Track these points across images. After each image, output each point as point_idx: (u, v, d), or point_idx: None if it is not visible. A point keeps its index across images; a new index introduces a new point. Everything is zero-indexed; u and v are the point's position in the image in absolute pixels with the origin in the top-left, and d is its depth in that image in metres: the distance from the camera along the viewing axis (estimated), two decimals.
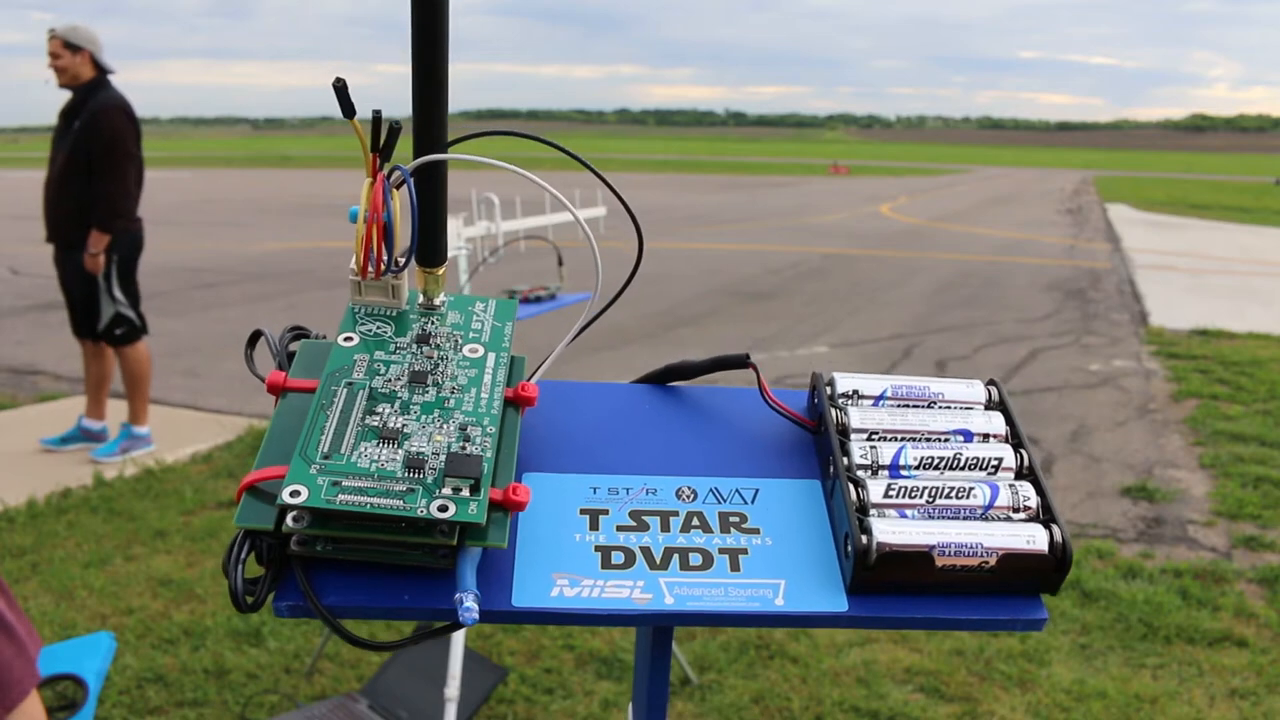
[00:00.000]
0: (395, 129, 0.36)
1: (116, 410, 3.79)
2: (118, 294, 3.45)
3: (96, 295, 3.43)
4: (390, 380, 0.38)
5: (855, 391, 0.44)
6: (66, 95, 3.41)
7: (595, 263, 0.40)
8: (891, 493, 0.38)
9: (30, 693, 0.84)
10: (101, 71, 3.38)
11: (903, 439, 0.42)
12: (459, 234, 2.22)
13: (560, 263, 2.48)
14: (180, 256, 9.37)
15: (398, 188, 0.38)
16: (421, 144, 0.37)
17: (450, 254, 2.17)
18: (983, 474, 0.41)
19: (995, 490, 0.39)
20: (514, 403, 0.39)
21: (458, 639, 1.83)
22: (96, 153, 3.29)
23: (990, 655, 2.36)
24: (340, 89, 0.34)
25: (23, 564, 2.74)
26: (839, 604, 0.37)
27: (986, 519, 0.39)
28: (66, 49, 3.32)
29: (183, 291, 7.39)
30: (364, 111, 0.37)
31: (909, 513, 0.38)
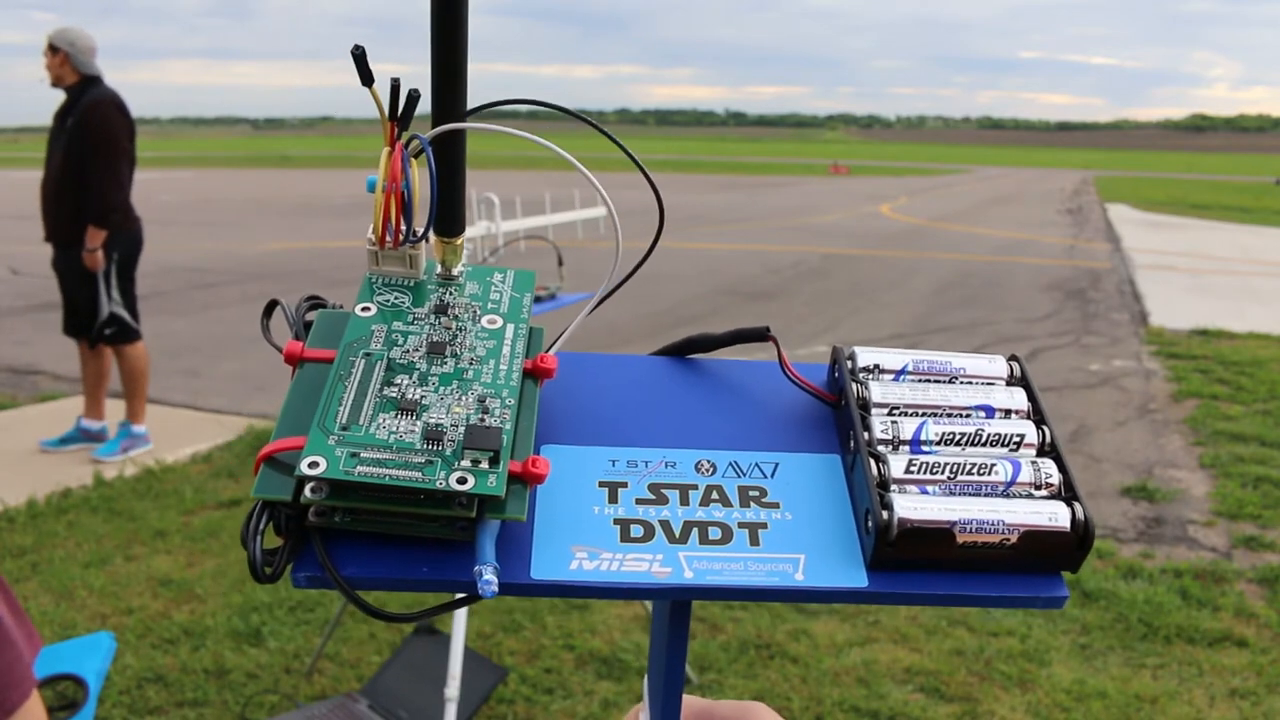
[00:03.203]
0: (414, 96, 0.36)
1: (115, 410, 3.78)
2: (114, 293, 3.46)
3: (95, 294, 3.44)
4: (408, 351, 0.38)
5: (876, 366, 0.44)
6: (65, 96, 3.44)
7: (615, 227, 0.40)
8: (913, 468, 0.38)
9: (31, 694, 0.84)
10: (83, 75, 3.39)
11: (924, 414, 0.42)
12: None
13: (560, 263, 2.48)
14: (180, 256, 9.37)
15: (416, 157, 0.37)
16: (440, 112, 0.37)
17: None
18: (1004, 450, 0.41)
19: (1017, 467, 0.39)
20: (533, 374, 0.39)
21: (458, 639, 1.82)
22: (90, 147, 3.31)
23: (990, 655, 2.36)
24: (359, 56, 0.34)
25: (23, 564, 2.73)
26: (859, 580, 0.36)
27: (1008, 496, 0.39)
28: (50, 50, 3.38)
29: (183, 291, 7.39)
30: (362, 111, 0.37)
31: (930, 489, 0.38)
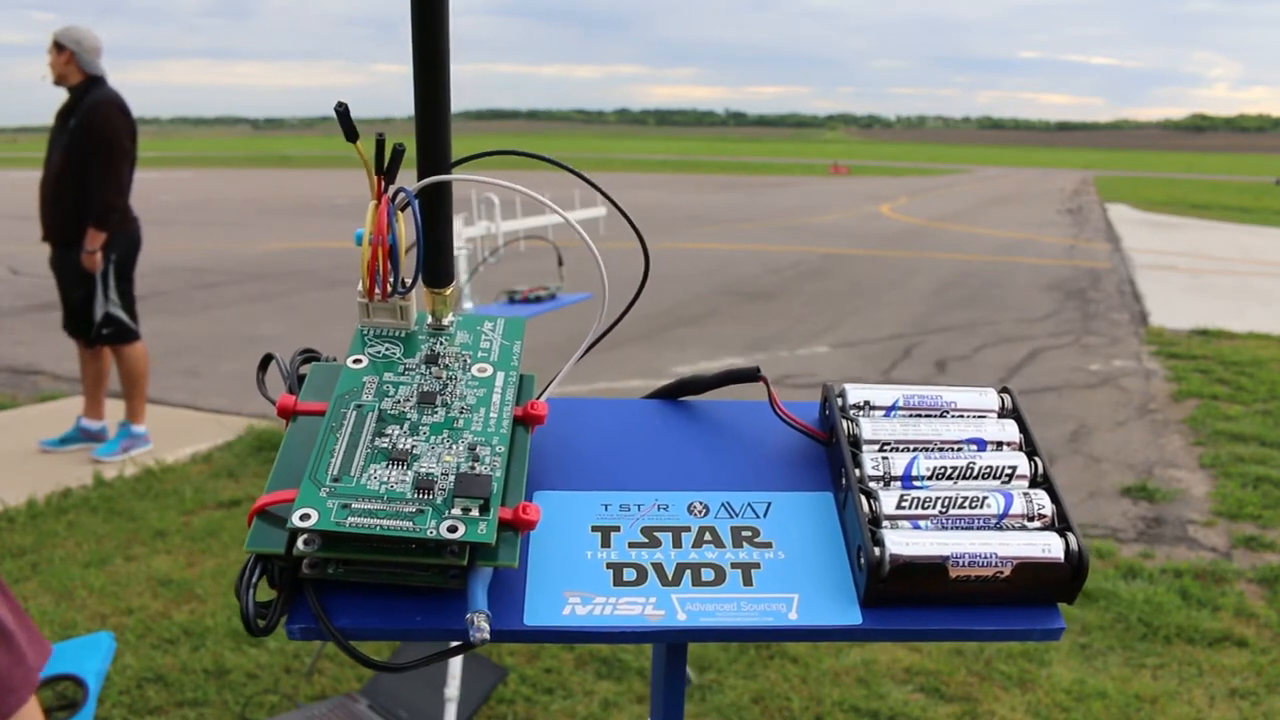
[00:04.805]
0: (399, 151, 0.36)
1: (115, 410, 3.78)
2: (112, 294, 3.45)
3: (92, 294, 3.43)
4: (399, 401, 0.38)
5: (867, 402, 0.44)
6: (68, 96, 3.43)
7: (601, 277, 0.40)
8: (904, 504, 0.38)
9: (28, 700, 0.84)
10: (88, 74, 3.38)
11: (915, 449, 0.42)
12: (459, 234, 2.21)
13: (560, 263, 2.48)
14: (180, 256, 9.36)
15: (402, 209, 0.38)
16: (425, 165, 0.37)
17: None
18: (996, 483, 0.41)
19: (1009, 499, 0.39)
20: (523, 421, 0.39)
21: None
22: (91, 148, 3.30)
23: (990, 655, 2.36)
24: (342, 113, 0.34)
25: (23, 564, 2.73)
26: (853, 617, 0.37)
27: (1001, 528, 0.39)
28: (55, 48, 3.36)
29: (183, 291, 7.39)
30: (361, 111, 0.37)
31: (922, 524, 0.38)
